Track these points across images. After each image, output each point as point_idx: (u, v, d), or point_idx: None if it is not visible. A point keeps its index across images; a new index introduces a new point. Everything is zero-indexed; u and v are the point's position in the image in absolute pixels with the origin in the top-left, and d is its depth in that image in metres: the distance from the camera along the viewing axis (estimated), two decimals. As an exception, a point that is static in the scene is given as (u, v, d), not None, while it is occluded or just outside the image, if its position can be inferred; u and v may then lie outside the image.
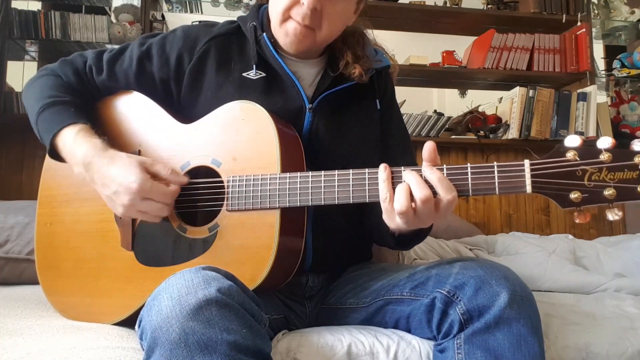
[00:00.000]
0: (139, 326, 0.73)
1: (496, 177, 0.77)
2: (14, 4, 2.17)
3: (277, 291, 1.00)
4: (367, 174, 0.83)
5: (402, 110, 1.25)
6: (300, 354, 0.89)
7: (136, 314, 0.78)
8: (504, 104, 2.48)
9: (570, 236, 2.09)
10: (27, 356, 0.76)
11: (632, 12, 2.77)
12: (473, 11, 2.54)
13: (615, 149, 0.72)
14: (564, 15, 2.50)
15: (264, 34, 1.02)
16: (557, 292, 1.63)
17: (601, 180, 0.72)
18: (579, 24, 2.49)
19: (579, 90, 2.43)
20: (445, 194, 0.76)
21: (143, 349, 0.71)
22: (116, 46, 1.08)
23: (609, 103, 2.70)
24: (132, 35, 2.16)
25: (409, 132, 1.22)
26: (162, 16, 2.47)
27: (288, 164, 0.90)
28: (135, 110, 1.04)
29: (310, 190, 0.86)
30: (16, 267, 1.39)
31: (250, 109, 0.93)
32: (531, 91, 2.36)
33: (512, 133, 2.35)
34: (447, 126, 2.40)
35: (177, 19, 2.55)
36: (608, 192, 0.72)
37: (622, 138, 2.46)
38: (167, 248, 0.93)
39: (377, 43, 1.13)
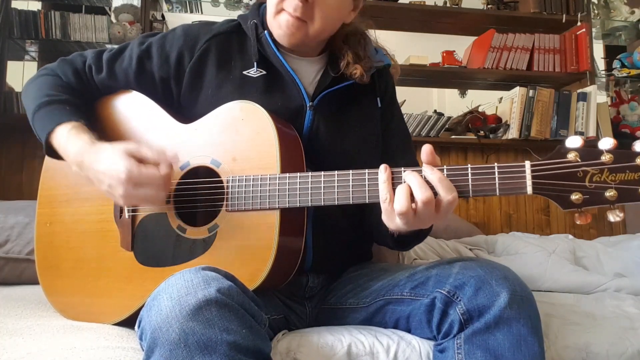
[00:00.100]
0: (139, 326, 0.73)
1: (497, 178, 0.76)
2: (14, 4, 2.17)
3: (277, 291, 1.00)
4: (367, 174, 0.83)
5: (402, 110, 1.25)
6: (300, 354, 0.89)
7: (136, 314, 0.77)
8: (504, 104, 2.48)
9: (570, 236, 2.08)
10: (27, 356, 0.75)
11: (632, 12, 2.77)
12: (473, 11, 2.54)
13: (616, 150, 0.72)
14: (564, 15, 2.50)
15: (265, 31, 1.02)
16: (557, 292, 1.63)
17: (602, 181, 0.72)
18: (579, 24, 2.49)
19: (579, 90, 2.43)
20: (446, 194, 0.76)
21: (143, 349, 0.71)
22: (116, 46, 1.08)
23: (609, 103, 2.70)
24: (132, 35, 2.16)
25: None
26: (162, 16, 2.46)
27: (288, 164, 0.90)
28: (135, 110, 1.04)
29: (310, 191, 0.86)
30: (16, 267, 1.39)
31: (250, 109, 0.93)
32: (531, 91, 2.36)
33: (512, 133, 2.35)
34: (447, 126, 2.39)
35: (177, 19, 2.55)
36: (609, 193, 0.71)
37: (622, 138, 2.46)
38: (166, 248, 0.93)
39: (379, 44, 1.13)
